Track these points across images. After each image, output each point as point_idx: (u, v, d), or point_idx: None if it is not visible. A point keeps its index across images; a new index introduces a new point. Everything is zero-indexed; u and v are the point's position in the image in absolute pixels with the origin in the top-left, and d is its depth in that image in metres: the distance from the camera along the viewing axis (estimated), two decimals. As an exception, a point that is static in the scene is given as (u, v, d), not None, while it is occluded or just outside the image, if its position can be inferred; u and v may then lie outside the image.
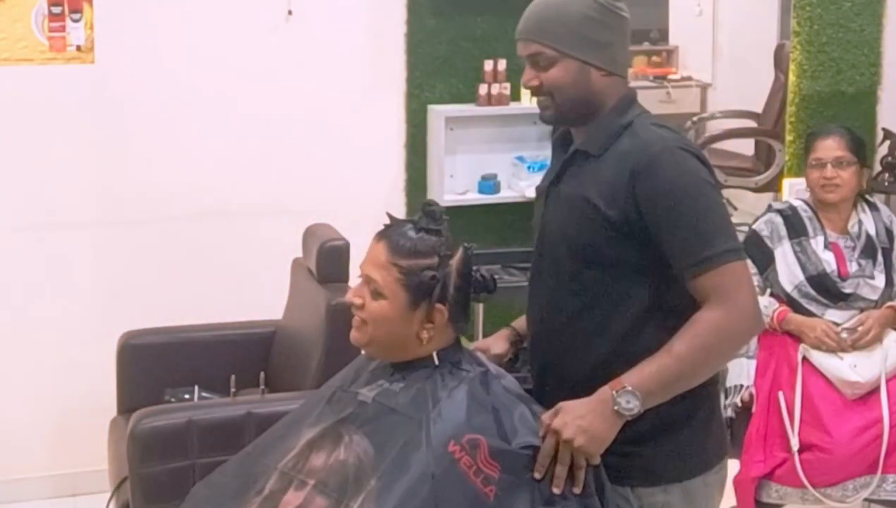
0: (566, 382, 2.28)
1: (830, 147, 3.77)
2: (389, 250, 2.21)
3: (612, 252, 2.24)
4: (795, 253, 3.73)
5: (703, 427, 2.32)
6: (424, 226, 2.23)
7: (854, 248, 3.76)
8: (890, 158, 4.82)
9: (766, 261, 3.75)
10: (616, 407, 2.10)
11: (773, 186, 5.26)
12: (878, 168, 4.87)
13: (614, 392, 2.11)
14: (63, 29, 4.01)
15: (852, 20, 4.80)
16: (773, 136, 5.01)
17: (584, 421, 2.10)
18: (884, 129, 4.86)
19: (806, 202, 3.83)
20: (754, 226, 3.81)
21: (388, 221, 2.29)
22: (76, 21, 4.02)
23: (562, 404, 2.15)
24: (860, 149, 3.84)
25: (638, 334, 2.24)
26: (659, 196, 2.17)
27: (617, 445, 2.15)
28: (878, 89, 4.89)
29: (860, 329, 3.65)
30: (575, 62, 2.29)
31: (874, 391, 3.60)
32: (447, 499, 2.05)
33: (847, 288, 3.69)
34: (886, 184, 4.78)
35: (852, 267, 3.72)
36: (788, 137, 4.83)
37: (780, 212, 3.80)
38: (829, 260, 3.71)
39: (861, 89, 4.86)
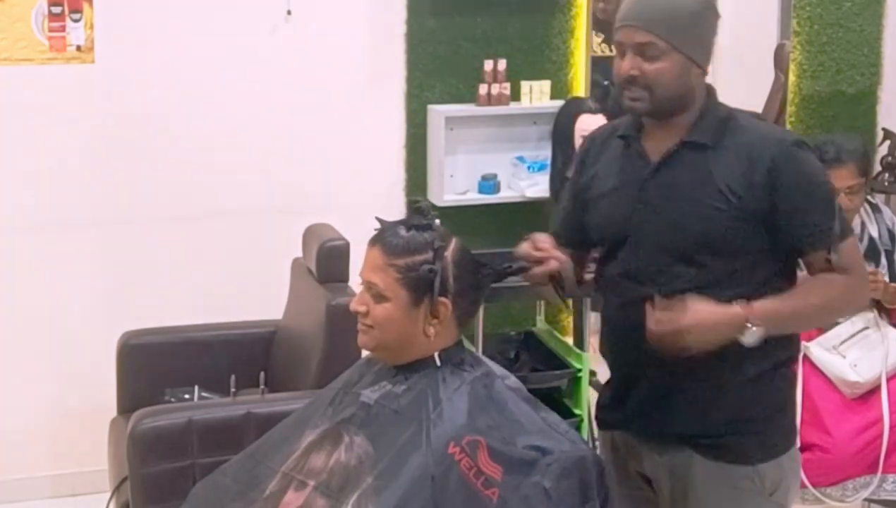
0: (691, 371, 2.33)
1: (844, 177, 3.64)
2: (384, 252, 2.22)
3: (739, 239, 2.30)
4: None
5: (795, 396, 2.54)
6: (415, 223, 2.24)
7: None
8: (890, 158, 4.82)
9: None
10: (739, 336, 2.24)
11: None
12: (878, 168, 4.87)
13: (746, 325, 2.23)
14: (63, 29, 4.01)
15: (852, 20, 4.80)
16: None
17: (705, 333, 2.22)
18: (884, 129, 4.86)
19: None
20: None
21: (379, 226, 2.30)
22: (76, 21, 4.02)
23: (695, 306, 2.22)
24: (869, 166, 3.77)
25: None
26: (801, 185, 2.29)
27: (740, 425, 2.35)
28: (878, 89, 4.89)
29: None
30: (682, 58, 2.31)
31: (874, 390, 3.60)
32: (447, 501, 2.05)
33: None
34: (886, 184, 4.78)
35: None
36: (788, 137, 4.83)
37: None
38: None
39: (861, 89, 4.86)
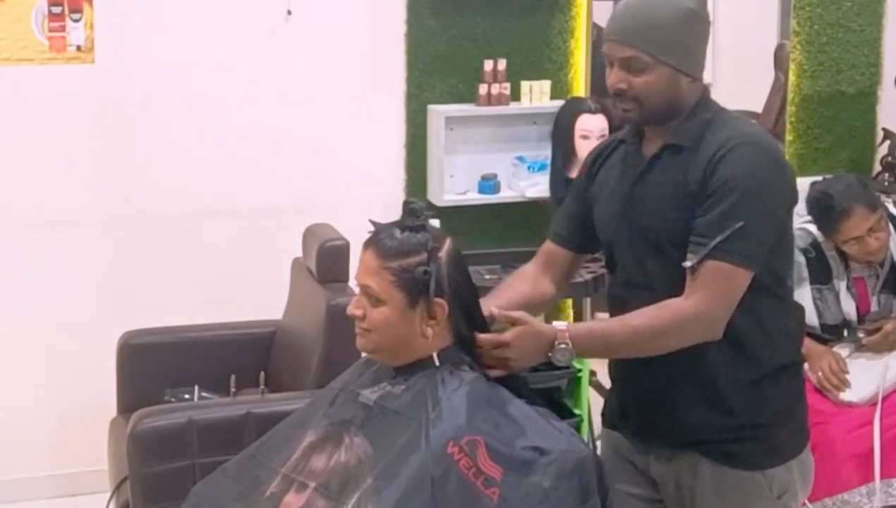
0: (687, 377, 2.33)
1: (860, 221, 3.57)
2: (378, 255, 2.22)
3: None
4: (814, 299, 3.66)
5: (804, 401, 2.46)
6: (408, 224, 2.24)
7: (878, 278, 3.71)
8: (890, 158, 4.82)
9: None
10: (550, 355, 2.23)
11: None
12: (878, 168, 4.87)
13: (555, 344, 2.22)
14: (63, 29, 4.01)
15: (852, 20, 4.80)
16: (773, 136, 5.00)
17: (526, 358, 2.24)
18: (884, 129, 4.86)
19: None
20: None
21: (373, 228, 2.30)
22: (76, 21, 4.02)
23: (518, 334, 2.23)
24: (873, 197, 3.68)
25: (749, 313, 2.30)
26: (720, 180, 2.24)
27: (747, 431, 2.33)
28: (878, 89, 4.89)
29: (877, 335, 3.64)
30: (668, 69, 2.31)
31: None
32: (446, 501, 2.05)
33: (863, 326, 3.68)
34: (886, 184, 4.78)
35: (873, 305, 3.69)
36: (788, 137, 4.83)
37: (803, 251, 3.67)
38: (849, 310, 3.67)
39: (861, 89, 4.86)
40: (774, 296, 2.35)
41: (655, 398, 2.38)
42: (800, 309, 2.51)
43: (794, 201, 2.39)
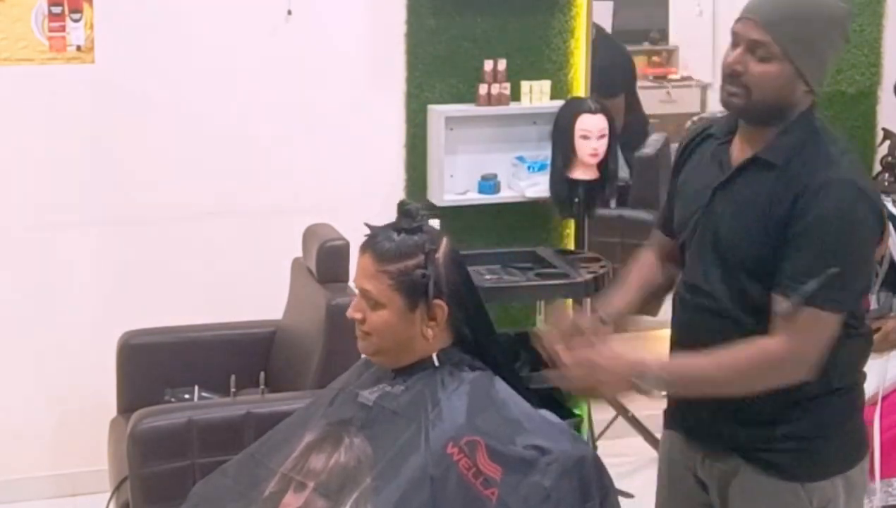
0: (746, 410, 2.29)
1: None
2: (375, 259, 2.21)
3: (774, 267, 2.20)
4: None
5: (860, 417, 2.39)
6: (404, 226, 2.23)
7: (876, 276, 3.70)
8: (890, 158, 4.81)
9: None
10: (635, 381, 2.21)
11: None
12: (878, 168, 4.87)
13: (642, 373, 2.20)
14: (63, 29, 4.01)
15: (852, 20, 4.80)
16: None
17: (601, 380, 2.22)
18: (884, 129, 4.86)
19: None
20: None
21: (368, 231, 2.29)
22: (76, 21, 4.02)
23: (596, 356, 2.21)
24: None
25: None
26: (812, 221, 2.15)
27: (791, 442, 2.27)
28: (878, 89, 4.89)
29: (877, 335, 3.63)
30: (792, 68, 2.19)
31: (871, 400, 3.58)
32: (446, 501, 2.05)
33: None
34: (886, 184, 4.78)
35: (872, 303, 3.69)
36: (788, 137, 4.83)
37: None
38: None
39: (861, 89, 4.86)
40: (850, 327, 2.27)
41: (711, 400, 2.31)
42: (870, 335, 2.43)
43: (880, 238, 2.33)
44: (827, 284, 2.13)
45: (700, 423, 2.39)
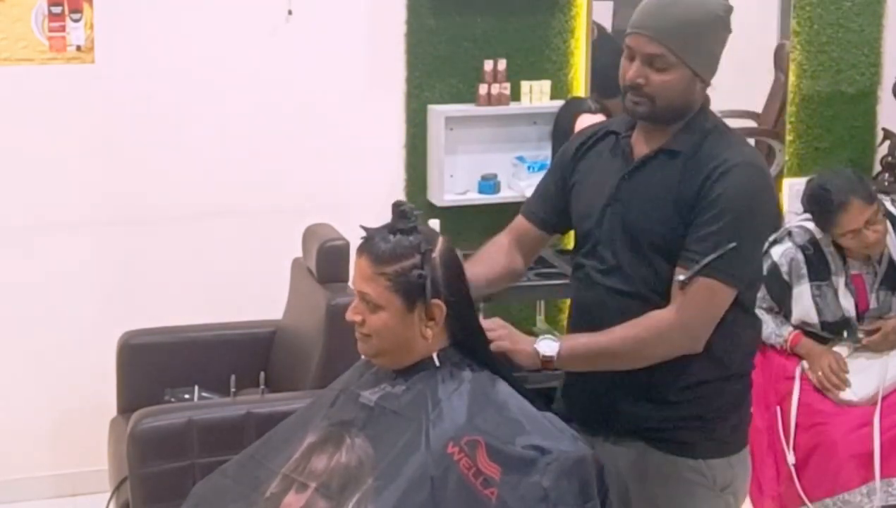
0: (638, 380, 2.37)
1: (856, 215, 3.59)
2: (372, 261, 2.21)
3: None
4: (814, 296, 3.66)
5: (749, 404, 2.51)
6: (400, 227, 2.23)
7: (875, 275, 3.71)
8: (890, 158, 4.81)
9: (783, 294, 3.70)
10: (536, 346, 2.31)
11: (774, 186, 5.25)
12: (878, 168, 4.87)
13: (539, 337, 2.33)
14: (63, 29, 4.01)
15: (852, 20, 4.80)
16: (772, 136, 5.00)
17: (513, 349, 2.33)
18: (884, 129, 4.86)
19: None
20: (774, 259, 3.68)
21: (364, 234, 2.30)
22: (76, 21, 4.02)
23: (511, 332, 2.36)
24: (871, 191, 3.68)
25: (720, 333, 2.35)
26: (715, 201, 2.28)
27: (695, 422, 2.38)
28: (878, 89, 4.89)
29: (877, 335, 3.64)
30: (689, 72, 2.33)
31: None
32: (446, 501, 2.05)
33: (863, 326, 3.67)
34: (886, 183, 4.78)
35: (872, 302, 3.69)
36: (788, 137, 4.83)
37: (801, 248, 3.67)
38: (848, 307, 3.67)
39: (861, 89, 4.86)
40: (745, 311, 2.40)
41: (606, 387, 2.41)
42: (759, 323, 2.57)
43: (778, 226, 2.45)
44: (722, 257, 2.25)
45: (599, 411, 2.45)
